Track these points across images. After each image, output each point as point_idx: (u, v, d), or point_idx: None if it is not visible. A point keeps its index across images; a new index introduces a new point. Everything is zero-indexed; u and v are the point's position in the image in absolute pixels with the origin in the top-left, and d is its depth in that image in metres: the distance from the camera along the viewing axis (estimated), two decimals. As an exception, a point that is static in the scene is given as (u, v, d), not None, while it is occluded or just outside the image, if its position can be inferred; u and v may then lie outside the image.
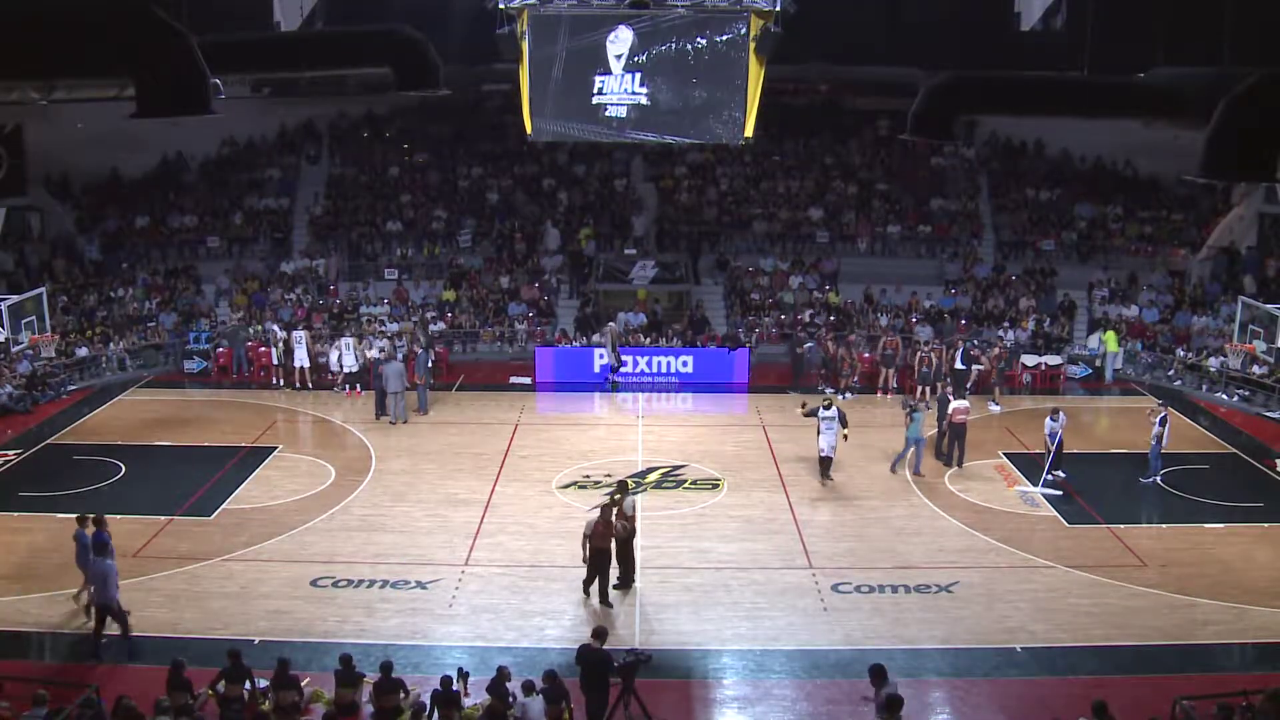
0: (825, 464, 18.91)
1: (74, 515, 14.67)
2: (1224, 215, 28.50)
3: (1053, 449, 18.72)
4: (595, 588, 14.46)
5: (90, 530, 14.01)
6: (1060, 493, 18.42)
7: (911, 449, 19.38)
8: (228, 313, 28.12)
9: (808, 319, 27.66)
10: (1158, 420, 19.04)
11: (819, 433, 18.85)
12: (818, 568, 15.62)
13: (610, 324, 26.03)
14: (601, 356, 25.86)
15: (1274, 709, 10.26)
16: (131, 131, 25.19)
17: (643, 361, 25.97)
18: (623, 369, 25.68)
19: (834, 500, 18.25)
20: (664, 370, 26.04)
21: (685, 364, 26.06)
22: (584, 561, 14.40)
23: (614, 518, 14.43)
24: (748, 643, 13.55)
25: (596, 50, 20.73)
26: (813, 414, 19.02)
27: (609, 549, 14.38)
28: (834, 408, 18.97)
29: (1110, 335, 26.26)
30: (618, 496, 14.90)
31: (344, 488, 18.64)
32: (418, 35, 16.71)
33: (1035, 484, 18.73)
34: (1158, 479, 18.99)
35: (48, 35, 11.23)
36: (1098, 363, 26.32)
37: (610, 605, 14.28)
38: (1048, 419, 19.03)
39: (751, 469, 19.80)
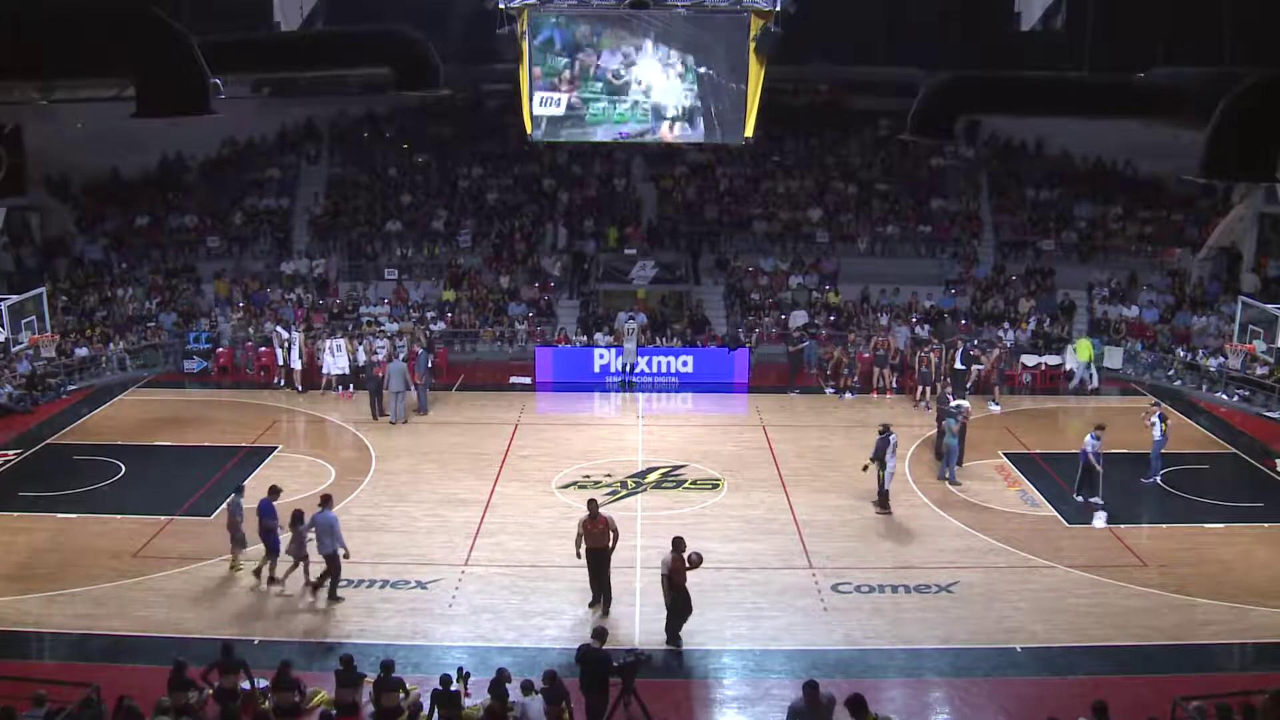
0: (882, 496, 17.77)
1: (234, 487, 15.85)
2: (1224, 215, 28.50)
3: (1099, 469, 17.77)
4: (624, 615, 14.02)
5: (246, 501, 15.17)
6: (1105, 511, 17.56)
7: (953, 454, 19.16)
8: (227, 312, 28.12)
9: (806, 320, 27.64)
10: (1157, 419, 19.00)
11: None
12: (818, 568, 15.62)
13: (631, 321, 26.02)
14: (602, 356, 25.83)
15: (1275, 709, 10.26)
16: (131, 131, 25.20)
17: (643, 361, 25.98)
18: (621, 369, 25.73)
19: (834, 500, 18.24)
20: (664, 370, 26.05)
21: (685, 364, 26.07)
22: (666, 606, 13.41)
23: (684, 551, 13.23)
24: (748, 643, 13.55)
25: (596, 50, 20.74)
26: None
27: (686, 587, 13.37)
28: (889, 434, 17.67)
29: (1083, 344, 25.71)
30: (590, 515, 14.09)
31: (344, 488, 18.62)
32: (418, 35, 16.70)
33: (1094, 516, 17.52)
34: (1158, 479, 18.97)
35: (48, 35, 11.23)
36: (1091, 367, 25.60)
37: (680, 645, 13.39)
38: (1089, 436, 17.96)
39: (751, 469, 19.79)
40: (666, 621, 13.44)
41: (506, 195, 31.45)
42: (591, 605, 14.27)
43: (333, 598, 14.45)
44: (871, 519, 17.49)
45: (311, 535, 14.49)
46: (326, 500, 14.72)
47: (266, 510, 14.92)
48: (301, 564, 14.68)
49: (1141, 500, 18.48)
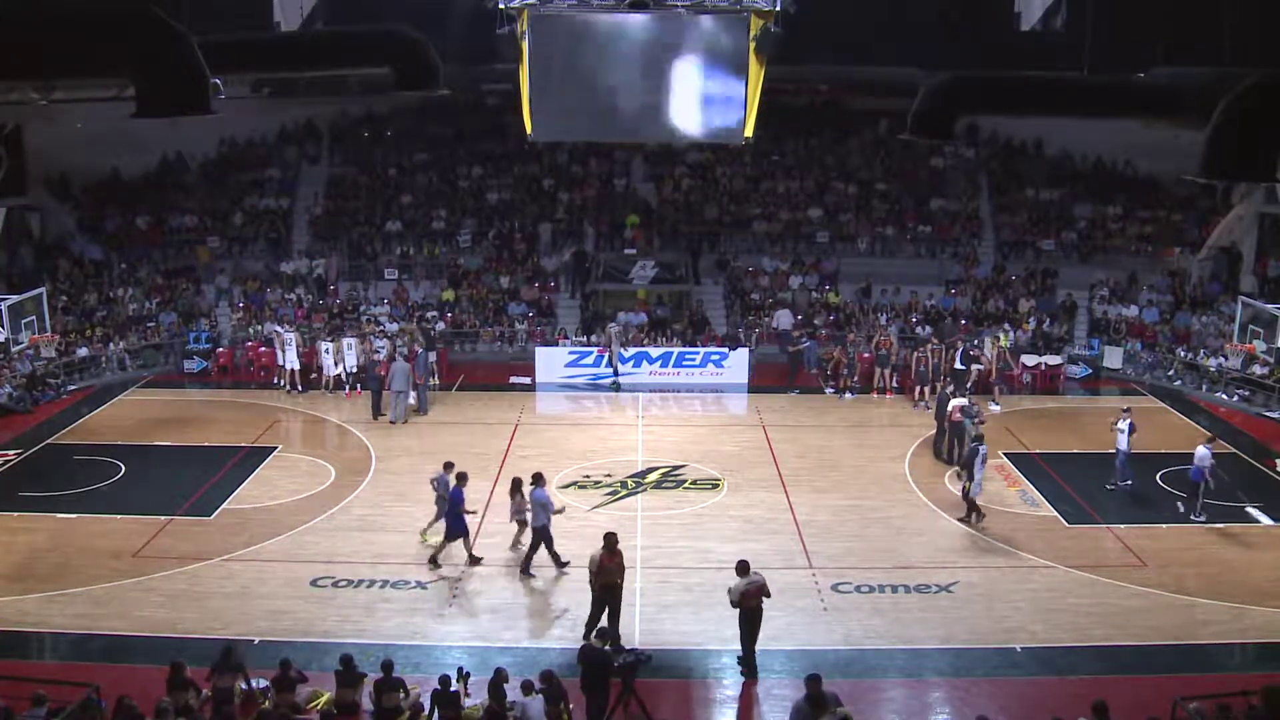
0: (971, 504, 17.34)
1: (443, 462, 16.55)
2: (1224, 215, 28.51)
3: (1209, 481, 17.26)
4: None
5: (452, 478, 15.88)
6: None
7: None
8: (228, 313, 28.13)
9: (790, 321, 27.61)
10: (1127, 425, 18.57)
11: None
12: (818, 568, 15.61)
13: (611, 326, 26.01)
14: (598, 362, 25.86)
15: (1268, 707, 10.29)
16: (131, 131, 25.16)
17: (643, 361, 25.95)
18: (622, 370, 25.69)
19: (834, 500, 18.24)
20: (665, 370, 26.01)
21: (686, 364, 26.04)
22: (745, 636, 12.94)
23: (753, 574, 12.83)
24: (748, 642, 13.55)
25: (596, 50, 20.72)
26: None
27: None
28: (981, 445, 17.24)
29: (1001, 338, 25.29)
30: (608, 549, 13.45)
31: (344, 488, 18.64)
32: (418, 35, 16.72)
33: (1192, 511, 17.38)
34: (1129, 483, 18.71)
35: (48, 35, 11.24)
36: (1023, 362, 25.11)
37: (755, 676, 12.90)
38: (1203, 448, 17.40)
39: (751, 469, 19.79)
40: (744, 648, 12.93)
41: (506, 195, 31.45)
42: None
43: (524, 571, 15.29)
44: (872, 519, 17.48)
45: (528, 507, 15.52)
46: (539, 478, 15.44)
47: (457, 497, 15.50)
48: (519, 531, 15.89)
49: (1141, 500, 18.45)
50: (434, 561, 15.56)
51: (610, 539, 13.45)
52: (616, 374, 25.60)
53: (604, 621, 13.15)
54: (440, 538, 15.66)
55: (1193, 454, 17.45)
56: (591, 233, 30.05)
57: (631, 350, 25.84)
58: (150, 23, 11.42)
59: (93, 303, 27.45)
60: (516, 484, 15.79)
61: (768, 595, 12.86)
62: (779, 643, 13.53)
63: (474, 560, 15.61)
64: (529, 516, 15.49)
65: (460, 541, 15.60)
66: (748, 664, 12.93)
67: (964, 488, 17.28)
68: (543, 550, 15.37)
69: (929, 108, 16.26)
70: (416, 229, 30.51)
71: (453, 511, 15.49)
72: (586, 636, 13.11)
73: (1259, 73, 11.79)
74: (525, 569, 15.33)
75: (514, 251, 30.04)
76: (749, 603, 12.74)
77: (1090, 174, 31.65)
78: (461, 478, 15.78)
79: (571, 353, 26.09)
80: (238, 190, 31.32)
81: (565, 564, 15.37)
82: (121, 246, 29.53)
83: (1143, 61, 17.46)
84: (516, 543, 16.08)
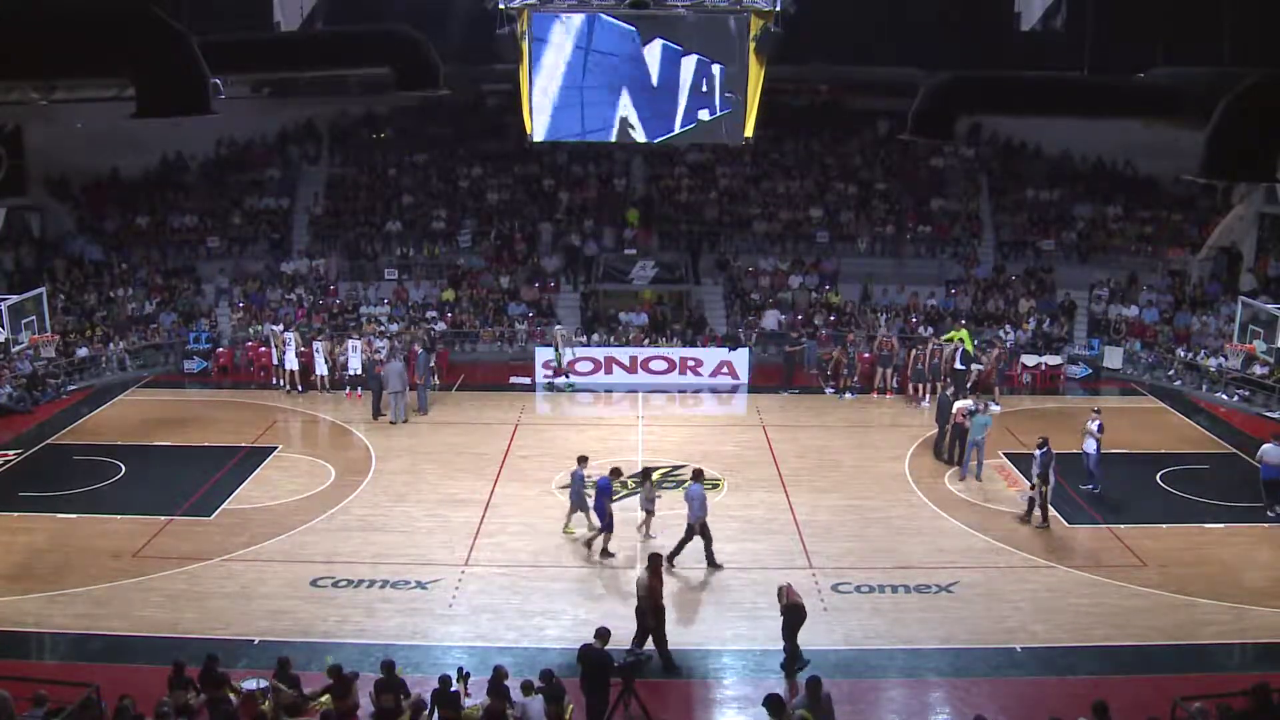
0: (1031, 504, 17.34)
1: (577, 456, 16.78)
2: (1224, 215, 28.51)
3: None
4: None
5: (588, 472, 16.28)
6: None
7: (973, 452, 19.07)
8: (228, 313, 28.13)
9: (776, 321, 27.60)
10: (1095, 426, 18.46)
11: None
12: (818, 568, 15.61)
13: (558, 327, 25.95)
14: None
15: (1258, 704, 10.32)
16: (131, 131, 25.20)
17: (643, 361, 25.92)
18: (569, 373, 25.44)
19: (834, 500, 18.24)
20: (665, 370, 26.01)
21: (686, 364, 26.02)
22: (786, 646, 13.01)
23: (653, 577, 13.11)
24: (747, 643, 13.54)
25: (596, 50, 20.75)
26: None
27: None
28: (1046, 447, 17.22)
29: (964, 333, 24.70)
30: (654, 571, 13.34)
31: (344, 488, 18.64)
32: (418, 35, 16.73)
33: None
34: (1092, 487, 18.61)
35: (48, 35, 11.24)
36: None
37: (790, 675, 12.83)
38: (1272, 445, 17.31)
39: (751, 469, 19.79)
40: (788, 652, 12.95)
41: (506, 195, 31.44)
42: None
43: (669, 561, 15.17)
44: (872, 519, 17.48)
45: (658, 495, 16.45)
46: (699, 474, 15.84)
47: (604, 489, 15.77)
48: (647, 519, 16.32)
49: (1141, 500, 18.44)
50: (589, 547, 15.94)
51: (655, 561, 13.40)
52: (566, 374, 25.43)
53: (604, 623, 13.14)
54: (583, 530, 16.26)
55: (1197, 454, 17.29)
56: (606, 233, 29.99)
57: (574, 352, 25.65)
58: (150, 23, 11.43)
59: (93, 303, 27.45)
60: (646, 473, 16.59)
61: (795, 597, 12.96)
62: (779, 643, 13.47)
63: (606, 554, 15.82)
64: (656, 507, 16.24)
65: (606, 535, 15.87)
66: (795, 661, 12.89)
67: (1039, 492, 17.07)
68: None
69: (929, 108, 16.25)
70: (416, 229, 30.51)
71: (599, 503, 15.78)
72: (661, 655, 12.99)
73: (1259, 73, 11.79)
74: (670, 559, 15.29)
75: (514, 251, 30.04)
76: (794, 598, 12.87)
77: (1090, 174, 31.65)
78: (614, 472, 16.27)
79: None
80: (238, 190, 31.31)
81: (719, 566, 15.48)
82: (121, 246, 29.53)
83: (1143, 61, 17.46)
84: (647, 530, 16.43)
